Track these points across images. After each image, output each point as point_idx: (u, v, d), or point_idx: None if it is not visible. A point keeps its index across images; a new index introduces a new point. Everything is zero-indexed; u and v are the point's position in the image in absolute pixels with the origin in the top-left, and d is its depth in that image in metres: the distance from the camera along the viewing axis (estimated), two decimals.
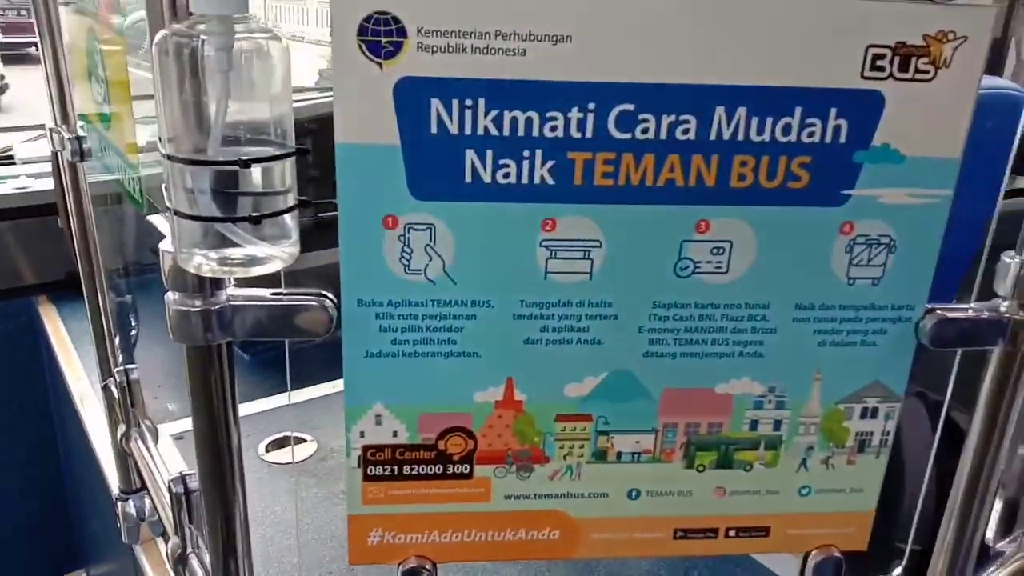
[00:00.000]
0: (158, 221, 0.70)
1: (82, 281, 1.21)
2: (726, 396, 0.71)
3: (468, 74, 0.61)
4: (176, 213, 0.60)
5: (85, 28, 0.88)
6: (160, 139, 0.61)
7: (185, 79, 0.56)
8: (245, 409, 0.73)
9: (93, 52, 0.86)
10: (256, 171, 0.58)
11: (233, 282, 0.63)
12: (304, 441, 1.46)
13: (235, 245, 0.59)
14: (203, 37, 0.55)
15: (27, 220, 2.04)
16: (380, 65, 0.61)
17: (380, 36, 0.60)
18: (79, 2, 0.86)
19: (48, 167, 2.21)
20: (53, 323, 1.93)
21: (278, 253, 0.60)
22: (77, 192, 1.11)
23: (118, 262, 1.28)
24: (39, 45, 1.07)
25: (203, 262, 0.60)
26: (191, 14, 0.56)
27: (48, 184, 2.10)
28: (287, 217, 0.60)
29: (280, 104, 0.59)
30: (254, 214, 0.58)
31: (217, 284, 0.62)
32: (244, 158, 0.57)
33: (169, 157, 0.58)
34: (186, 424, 1.40)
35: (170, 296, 0.62)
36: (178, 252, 0.61)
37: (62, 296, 2.03)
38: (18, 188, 2.06)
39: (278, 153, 0.58)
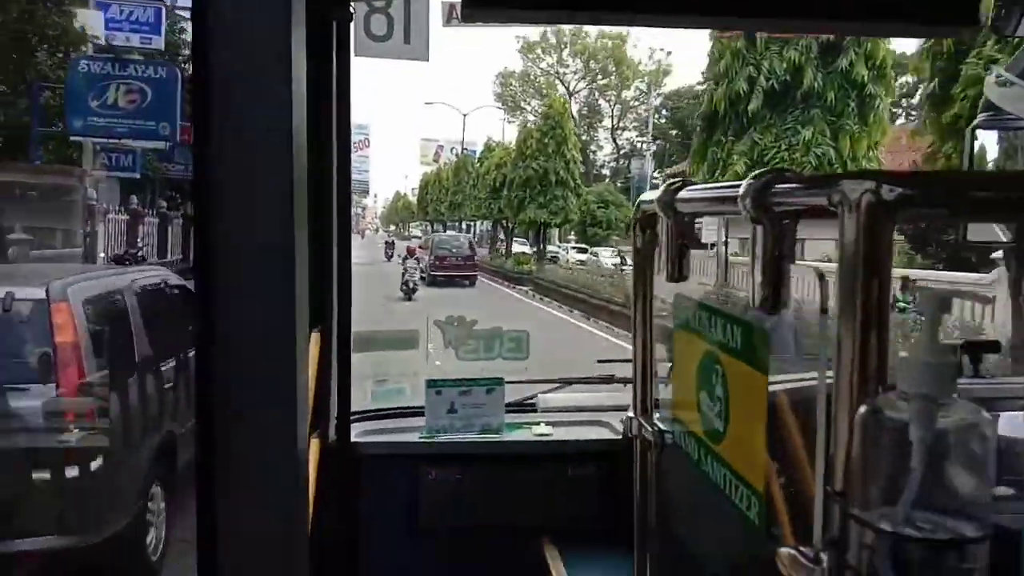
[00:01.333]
0: (783, 561, 0.74)
1: (635, 541, 1.30)
2: None
3: None
4: (847, 566, 0.62)
5: (701, 349, 1.03)
6: (831, 489, 0.66)
7: (882, 447, 0.61)
8: None
9: (711, 372, 0.99)
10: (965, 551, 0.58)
11: None
12: None
13: None
14: (907, 412, 0.60)
15: (541, 465, 2.34)
16: None
17: None
18: (710, 332, 1.01)
19: (563, 416, 2.54)
20: (556, 565, 2.12)
21: None
22: (644, 470, 1.24)
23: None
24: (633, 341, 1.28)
25: None
26: (893, 387, 0.62)
27: (563, 435, 2.40)
28: None
29: (980, 480, 0.59)
30: None
31: None
32: (942, 537, 0.57)
33: (853, 516, 0.61)
34: None
35: None
36: None
37: (564, 540, 2.23)
38: (538, 435, 2.40)
39: (977, 534, 0.58)
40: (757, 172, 0.82)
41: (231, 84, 1.05)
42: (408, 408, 2.52)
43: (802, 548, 0.76)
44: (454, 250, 24.20)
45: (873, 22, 1.52)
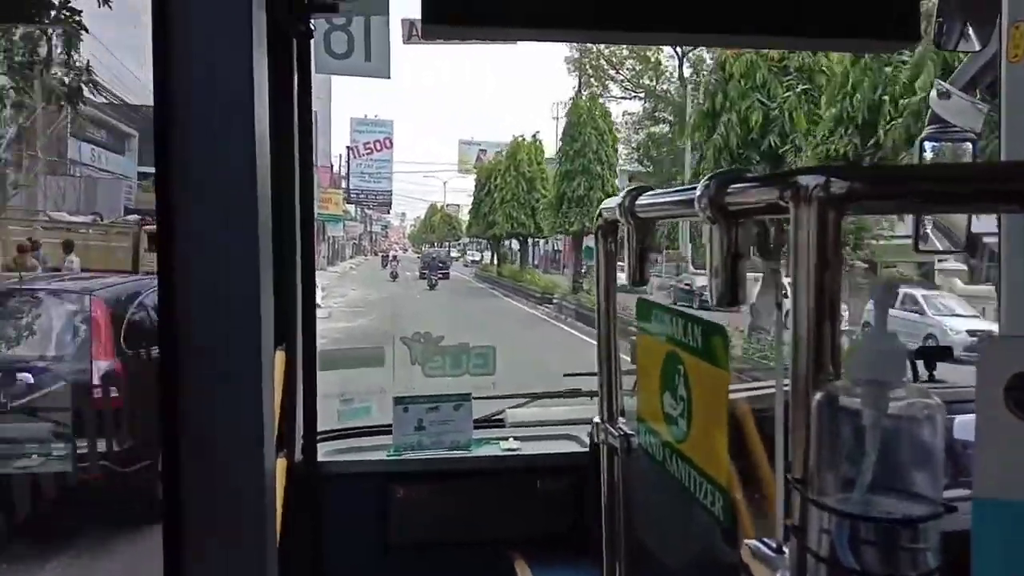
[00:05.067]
0: (747, 553, 0.76)
1: (604, 548, 1.31)
2: None
3: None
4: (808, 551, 0.64)
5: (664, 351, 1.04)
6: (791, 477, 0.67)
7: (837, 433, 0.63)
8: None
9: (673, 373, 1.01)
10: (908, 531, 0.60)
11: None
12: None
13: None
14: (859, 398, 0.62)
15: (510, 480, 2.34)
16: None
17: None
18: (671, 332, 1.03)
19: (532, 431, 2.55)
20: None
21: None
22: (611, 476, 1.26)
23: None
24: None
25: None
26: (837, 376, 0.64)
27: (531, 449, 2.41)
28: None
29: (931, 462, 0.61)
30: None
31: None
32: (897, 516, 0.59)
33: (811, 501, 0.63)
34: None
35: None
36: None
37: (534, 554, 2.23)
38: (507, 450, 2.40)
39: (929, 514, 0.60)
40: (712, 174, 0.85)
41: (193, 102, 1.05)
42: (375, 427, 2.51)
43: (765, 539, 0.77)
44: (436, 259, 34.36)
45: (817, 38, 1.58)
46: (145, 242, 13.83)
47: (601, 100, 27.03)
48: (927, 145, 2.42)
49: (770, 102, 13.79)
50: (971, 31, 2.25)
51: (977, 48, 2.33)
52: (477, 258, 50.44)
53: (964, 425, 1.50)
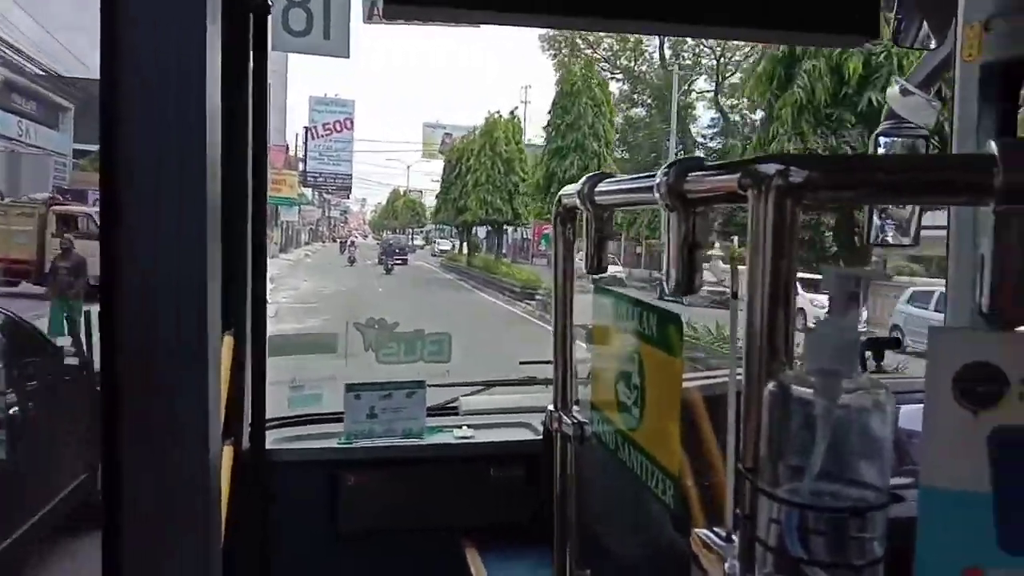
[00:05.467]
0: (697, 542, 0.76)
1: (555, 536, 1.31)
2: None
3: None
4: (757, 540, 0.63)
5: (620, 339, 1.03)
6: (740, 468, 0.67)
7: (788, 422, 0.62)
8: None
9: (630, 359, 1.00)
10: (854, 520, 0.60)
11: None
12: None
13: None
14: (811, 388, 0.61)
15: (462, 467, 2.32)
16: (975, 412, 0.61)
17: (978, 384, 0.61)
18: (627, 321, 1.02)
19: (486, 419, 2.53)
20: (476, 565, 2.10)
21: None
22: (564, 464, 1.25)
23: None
24: (554, 339, 1.28)
25: None
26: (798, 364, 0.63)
27: (485, 437, 2.40)
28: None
29: (880, 452, 0.61)
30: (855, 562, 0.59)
31: None
32: (845, 505, 0.59)
33: (761, 490, 0.63)
34: None
35: None
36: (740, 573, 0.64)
37: (486, 540, 2.22)
38: (460, 438, 2.38)
39: (877, 503, 0.60)
40: (671, 162, 0.84)
41: (141, 76, 1.01)
42: (326, 414, 2.47)
43: (715, 528, 0.77)
44: (394, 247, 35.11)
45: (778, 30, 1.60)
46: (53, 225, 12.20)
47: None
48: (880, 140, 2.45)
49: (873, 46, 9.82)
50: (928, 30, 2.29)
51: (933, 46, 2.36)
52: (447, 247, 46.12)
53: (908, 414, 1.53)
